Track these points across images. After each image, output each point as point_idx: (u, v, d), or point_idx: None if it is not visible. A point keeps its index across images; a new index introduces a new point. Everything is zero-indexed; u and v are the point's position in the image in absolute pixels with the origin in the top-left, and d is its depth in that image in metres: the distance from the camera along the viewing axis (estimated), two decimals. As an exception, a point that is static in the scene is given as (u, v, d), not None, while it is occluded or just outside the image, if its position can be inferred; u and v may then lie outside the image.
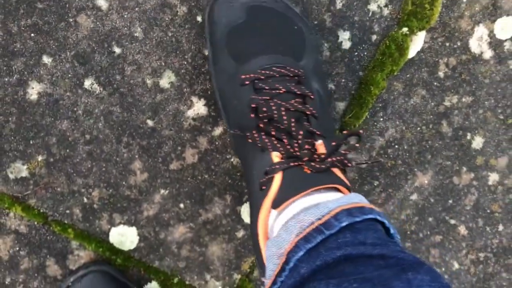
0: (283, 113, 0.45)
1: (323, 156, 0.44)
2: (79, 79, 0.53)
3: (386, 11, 0.57)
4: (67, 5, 0.52)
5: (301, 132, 0.44)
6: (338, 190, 0.44)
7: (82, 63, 0.53)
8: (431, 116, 0.60)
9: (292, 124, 0.45)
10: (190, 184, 0.58)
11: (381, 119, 0.59)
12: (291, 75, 0.48)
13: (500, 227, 0.64)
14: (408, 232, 0.63)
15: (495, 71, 0.59)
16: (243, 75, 0.48)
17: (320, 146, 0.45)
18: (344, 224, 0.38)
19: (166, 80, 0.55)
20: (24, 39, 0.52)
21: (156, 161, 0.57)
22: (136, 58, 0.54)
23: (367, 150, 0.60)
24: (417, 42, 0.58)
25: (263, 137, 0.45)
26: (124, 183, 0.56)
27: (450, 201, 0.62)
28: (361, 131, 0.42)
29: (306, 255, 0.38)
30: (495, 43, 0.59)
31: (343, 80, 0.58)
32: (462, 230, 0.63)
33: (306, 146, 0.44)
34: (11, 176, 0.55)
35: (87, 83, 0.54)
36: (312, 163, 0.43)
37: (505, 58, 0.59)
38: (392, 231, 0.41)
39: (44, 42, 0.52)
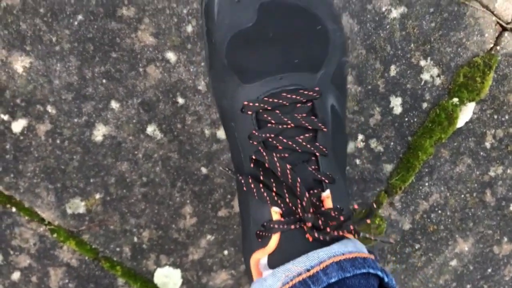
0: (288, 171, 0.38)
1: (332, 223, 0.38)
2: (143, 125, 0.57)
3: (438, 81, 0.59)
4: (138, 56, 0.56)
5: (307, 195, 0.38)
6: None
7: (147, 110, 0.56)
8: (476, 185, 0.61)
9: (298, 184, 0.38)
10: (236, 232, 0.60)
11: (427, 184, 0.60)
12: (304, 100, 0.41)
13: (539, 300, 0.64)
14: (446, 297, 0.63)
15: (542, 145, 0.61)
16: (245, 102, 0.41)
17: (327, 199, 0.40)
18: (333, 280, 0.34)
19: (223, 131, 0.58)
20: (96, 85, 0.56)
21: (206, 207, 0.59)
22: (198, 110, 0.57)
23: (411, 213, 0.61)
24: (466, 113, 0.60)
25: (261, 190, 0.40)
26: (173, 226, 0.59)
27: (489, 270, 0.63)
28: (374, 205, 0.40)
29: None
30: (543, 119, 0.60)
31: (392, 144, 0.59)
32: (500, 300, 0.63)
33: (311, 210, 0.38)
34: (69, 211, 0.57)
35: (150, 129, 0.57)
36: (316, 234, 0.37)
37: (552, 134, 0.60)
38: (386, 280, 0.37)
39: (114, 88, 0.56)
